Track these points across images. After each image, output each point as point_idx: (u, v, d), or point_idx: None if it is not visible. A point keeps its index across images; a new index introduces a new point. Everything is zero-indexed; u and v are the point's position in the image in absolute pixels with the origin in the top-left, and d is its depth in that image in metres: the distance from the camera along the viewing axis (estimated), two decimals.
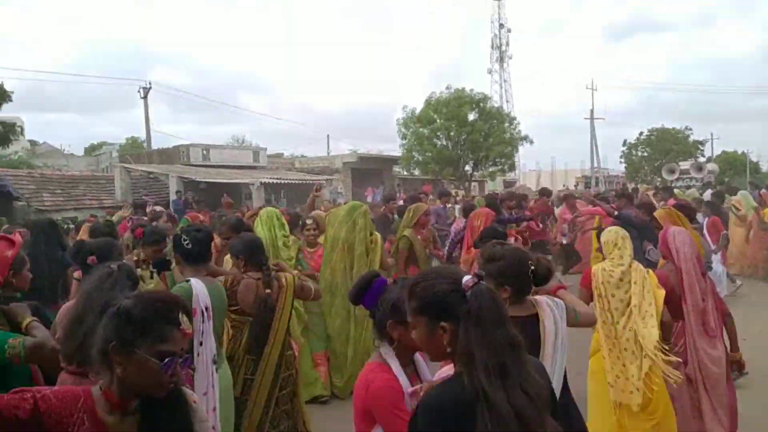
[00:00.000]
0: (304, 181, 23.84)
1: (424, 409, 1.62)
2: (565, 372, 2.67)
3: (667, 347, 3.51)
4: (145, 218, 8.87)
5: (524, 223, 8.29)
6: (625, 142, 49.27)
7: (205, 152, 24.99)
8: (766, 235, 10.41)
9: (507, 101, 50.78)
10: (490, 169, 31.73)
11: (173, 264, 4.04)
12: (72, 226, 10.95)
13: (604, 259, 3.85)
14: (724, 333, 3.96)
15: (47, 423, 1.50)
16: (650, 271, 3.80)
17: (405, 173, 32.89)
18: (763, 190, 12.53)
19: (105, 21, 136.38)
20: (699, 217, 8.89)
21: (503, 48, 53.38)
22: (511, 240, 6.13)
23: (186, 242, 3.46)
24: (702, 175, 23.10)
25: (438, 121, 29.48)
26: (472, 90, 30.27)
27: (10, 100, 17.82)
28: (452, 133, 29.32)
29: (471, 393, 1.52)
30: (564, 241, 11.08)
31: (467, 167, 30.85)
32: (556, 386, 2.53)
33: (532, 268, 2.60)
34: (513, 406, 1.51)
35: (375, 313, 2.24)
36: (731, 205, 11.02)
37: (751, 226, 10.59)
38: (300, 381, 4.23)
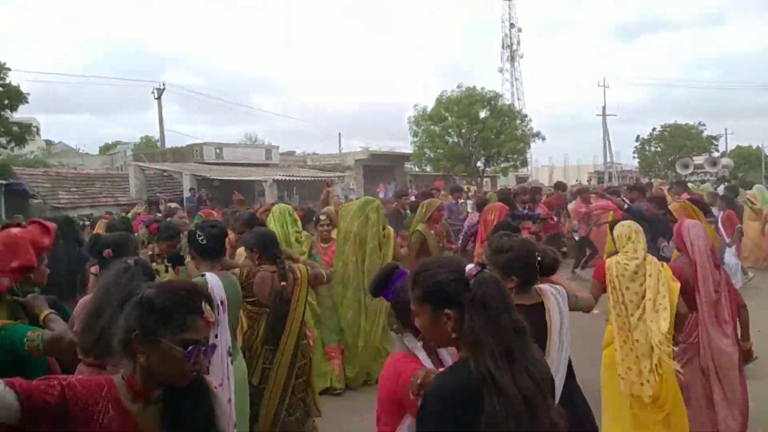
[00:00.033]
0: (317, 178, 23.86)
1: (432, 396, 1.64)
2: (570, 360, 2.68)
3: (674, 340, 3.51)
4: (159, 215, 8.96)
5: (540, 221, 7.94)
6: (638, 137, 49.14)
7: (218, 151, 25.13)
8: None
9: (518, 99, 50.53)
10: (502, 165, 31.71)
11: (187, 259, 4.08)
12: (87, 222, 11.09)
13: (617, 252, 3.84)
14: (738, 325, 3.95)
15: (73, 410, 1.50)
16: (665, 264, 3.79)
17: (416, 170, 32.88)
18: None
19: (120, 24, 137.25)
20: (714, 210, 8.87)
21: (514, 47, 53.06)
22: (525, 233, 6.10)
23: (201, 238, 3.50)
24: (716, 169, 22.92)
25: (449, 118, 29.46)
26: (483, 88, 30.29)
27: (27, 102, 18.07)
28: (464, 131, 29.33)
29: (477, 378, 1.55)
30: (576, 237, 11.05)
31: (479, 164, 30.81)
32: (561, 374, 2.55)
33: (539, 258, 2.63)
34: (520, 389, 1.53)
35: (396, 304, 2.22)
36: (746, 199, 11.04)
37: (766, 220, 10.62)
38: (314, 370, 4.28)
